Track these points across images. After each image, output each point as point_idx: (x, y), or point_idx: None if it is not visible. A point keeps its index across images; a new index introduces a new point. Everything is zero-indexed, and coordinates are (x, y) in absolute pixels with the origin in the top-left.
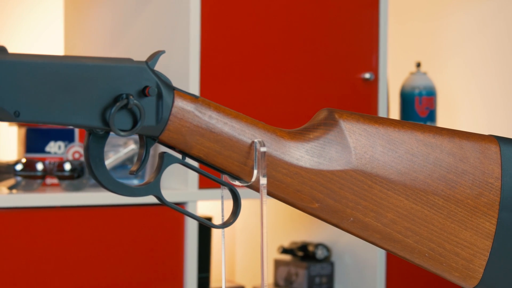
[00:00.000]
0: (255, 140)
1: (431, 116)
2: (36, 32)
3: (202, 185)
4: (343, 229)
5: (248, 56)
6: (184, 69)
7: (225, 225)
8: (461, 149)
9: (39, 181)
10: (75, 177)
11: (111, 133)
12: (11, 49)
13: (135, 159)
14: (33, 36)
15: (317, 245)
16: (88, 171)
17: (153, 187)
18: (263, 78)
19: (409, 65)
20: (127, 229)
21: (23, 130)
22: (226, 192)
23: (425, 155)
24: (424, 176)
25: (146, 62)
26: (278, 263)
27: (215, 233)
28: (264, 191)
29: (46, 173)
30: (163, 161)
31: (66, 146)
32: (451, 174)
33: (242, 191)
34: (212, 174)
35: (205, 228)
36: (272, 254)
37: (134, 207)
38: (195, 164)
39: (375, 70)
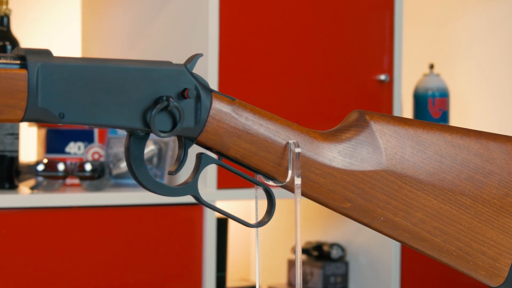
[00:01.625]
0: (290, 141)
1: (444, 117)
2: (53, 32)
3: (221, 185)
4: (374, 229)
5: (265, 57)
6: (203, 70)
7: (260, 224)
8: (487, 150)
9: (60, 181)
10: (96, 177)
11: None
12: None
13: (155, 160)
14: (50, 36)
15: (332, 245)
16: (128, 171)
17: (191, 187)
18: (280, 79)
19: (422, 67)
20: (147, 229)
21: (43, 131)
22: (244, 192)
23: (453, 156)
24: (452, 176)
25: (185, 65)
26: (292, 263)
27: (231, 233)
28: (298, 191)
29: (67, 173)
30: (201, 162)
31: (85, 146)
32: (478, 174)
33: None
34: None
35: (221, 227)
36: (287, 254)
37: (154, 207)
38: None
39: (390, 72)
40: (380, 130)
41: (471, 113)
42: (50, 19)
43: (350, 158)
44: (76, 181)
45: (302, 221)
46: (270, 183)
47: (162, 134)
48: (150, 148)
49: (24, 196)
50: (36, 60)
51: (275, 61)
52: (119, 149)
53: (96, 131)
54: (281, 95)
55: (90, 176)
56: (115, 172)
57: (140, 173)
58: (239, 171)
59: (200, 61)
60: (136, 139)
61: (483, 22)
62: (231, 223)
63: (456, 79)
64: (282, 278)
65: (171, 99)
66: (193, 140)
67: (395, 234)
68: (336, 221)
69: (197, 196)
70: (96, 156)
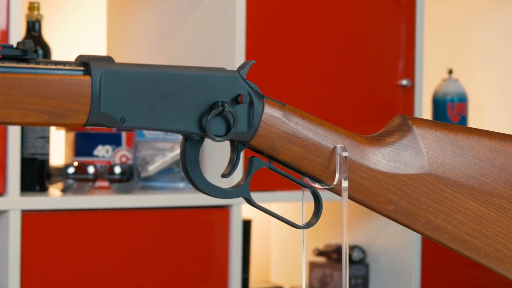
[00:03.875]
0: (338, 146)
1: (463, 121)
2: (78, 34)
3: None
4: (415, 230)
5: (290, 62)
6: None
7: (307, 225)
8: None
9: (90, 184)
10: (125, 180)
11: (165, 137)
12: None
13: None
14: (75, 37)
15: (352, 247)
16: (184, 174)
17: (243, 190)
18: (303, 83)
19: (441, 72)
20: (174, 231)
21: (71, 135)
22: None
23: (492, 160)
24: (491, 180)
25: (238, 71)
26: (313, 265)
27: (254, 235)
28: (346, 194)
29: (97, 176)
30: (252, 165)
31: (113, 150)
32: None
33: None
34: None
35: (245, 230)
36: (307, 256)
37: (181, 210)
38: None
39: (411, 77)
40: (422, 135)
41: (489, 117)
42: (76, 21)
43: (394, 161)
44: (105, 183)
45: (322, 224)
46: (317, 185)
47: (217, 138)
48: (177, 151)
49: (55, 198)
50: (99, 66)
51: (299, 66)
52: (147, 152)
53: (124, 134)
54: (304, 99)
55: (119, 179)
56: (143, 174)
57: (195, 175)
58: (289, 174)
59: (226, 65)
60: (192, 143)
61: (500, 29)
62: (254, 225)
63: (474, 84)
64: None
65: (226, 104)
66: (246, 144)
67: (435, 236)
68: (357, 223)
69: (248, 198)
70: (123, 159)
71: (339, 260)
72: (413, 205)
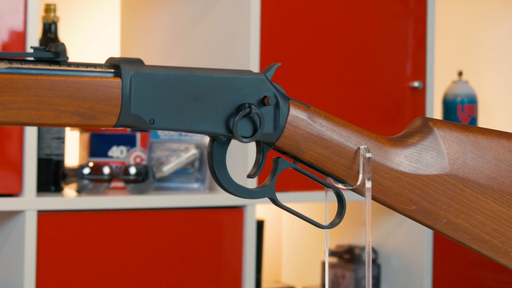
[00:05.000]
0: (361, 147)
1: (473, 123)
2: (92, 34)
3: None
4: (436, 230)
5: (304, 64)
6: None
7: (331, 225)
8: None
9: (105, 184)
10: (140, 180)
11: (179, 138)
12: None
13: (196, 163)
14: (89, 38)
15: (363, 248)
16: (211, 174)
17: (269, 190)
18: (317, 85)
19: (451, 74)
20: (189, 231)
21: (86, 135)
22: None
23: (511, 161)
24: (510, 180)
25: (264, 73)
26: (325, 265)
27: (266, 235)
28: (369, 194)
29: (112, 176)
30: (278, 166)
31: (128, 150)
32: None
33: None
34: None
35: (258, 230)
36: (320, 257)
37: (196, 210)
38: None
39: (422, 79)
40: (443, 136)
41: (498, 119)
42: (89, 22)
43: (415, 162)
44: (119, 184)
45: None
46: (340, 186)
47: (244, 140)
48: (192, 152)
49: (71, 199)
50: (129, 69)
51: (312, 68)
52: (161, 153)
53: (138, 135)
54: (317, 101)
55: (134, 180)
56: (158, 175)
57: (222, 176)
58: (313, 174)
59: (240, 67)
60: (219, 144)
61: (508, 32)
62: (266, 226)
63: (483, 86)
64: (315, 280)
65: (252, 106)
66: (271, 145)
67: (456, 236)
68: (369, 224)
69: (274, 199)
70: (138, 160)
71: (351, 260)
72: (434, 205)
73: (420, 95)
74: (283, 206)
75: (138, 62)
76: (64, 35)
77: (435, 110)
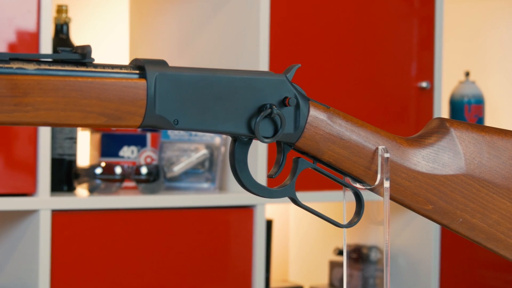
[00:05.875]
0: (379, 147)
1: (480, 123)
2: (101, 34)
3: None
4: (452, 230)
5: (313, 64)
6: None
7: (350, 224)
8: None
9: (117, 184)
10: (151, 180)
11: (189, 138)
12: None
13: (206, 163)
14: (98, 38)
15: (370, 248)
16: (233, 174)
17: (289, 190)
18: (326, 84)
19: (458, 74)
20: (199, 230)
21: (97, 136)
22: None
23: None
24: None
25: (285, 74)
26: (333, 265)
27: (275, 235)
28: (387, 194)
29: (124, 176)
30: (298, 166)
31: (138, 150)
32: None
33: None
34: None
35: (266, 229)
36: (328, 256)
37: (206, 210)
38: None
39: (430, 79)
40: (459, 137)
41: (505, 119)
42: (98, 22)
43: (433, 162)
44: (131, 184)
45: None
46: (358, 185)
47: (265, 140)
48: (202, 152)
49: (85, 198)
50: (154, 70)
51: (323, 68)
52: (172, 153)
53: (149, 136)
54: (326, 101)
55: (146, 179)
56: (169, 175)
57: (243, 176)
58: (332, 174)
59: (250, 67)
60: (240, 144)
61: None
62: (275, 226)
63: (490, 86)
64: (323, 279)
65: (274, 106)
66: (292, 145)
67: (471, 235)
68: (373, 225)
69: (294, 198)
70: (148, 160)
71: (358, 259)
72: (451, 205)
73: (428, 95)
74: (303, 206)
75: (162, 63)
76: (73, 35)
77: (442, 111)
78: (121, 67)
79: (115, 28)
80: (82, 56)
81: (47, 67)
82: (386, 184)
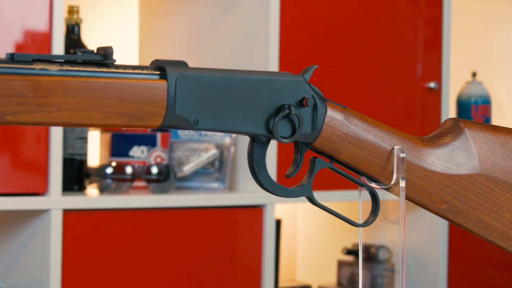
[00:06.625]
0: (395, 147)
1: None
2: (110, 34)
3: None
4: (466, 229)
5: (323, 64)
6: None
7: (366, 224)
8: None
9: (128, 184)
10: (162, 180)
11: (199, 138)
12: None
13: (216, 163)
14: (107, 38)
15: (378, 247)
16: (251, 174)
17: (306, 189)
18: (336, 85)
19: (465, 75)
20: (209, 229)
21: (107, 136)
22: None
23: None
24: None
25: (302, 75)
26: (341, 264)
27: (283, 234)
28: (403, 193)
29: (135, 176)
30: (315, 165)
31: (148, 150)
32: None
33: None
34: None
35: (275, 229)
36: (336, 255)
37: (216, 209)
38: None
39: (438, 80)
40: (473, 137)
41: (511, 119)
42: (107, 21)
43: (447, 162)
44: (141, 183)
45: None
46: (374, 185)
47: (284, 140)
48: (212, 152)
49: (96, 198)
50: (174, 71)
51: (332, 68)
52: (182, 153)
53: (159, 136)
54: (335, 101)
55: (156, 179)
56: (179, 175)
57: (262, 176)
58: (348, 174)
59: (259, 68)
60: (259, 144)
61: None
62: (283, 225)
63: (497, 86)
64: (331, 278)
65: (292, 107)
66: (309, 146)
67: (485, 234)
68: (382, 223)
69: (311, 198)
70: (158, 160)
71: (367, 259)
72: (465, 204)
73: (435, 96)
74: (320, 205)
75: (182, 64)
76: (83, 35)
77: (450, 111)
78: (142, 68)
79: (125, 28)
80: (104, 57)
81: (69, 68)
82: (402, 183)
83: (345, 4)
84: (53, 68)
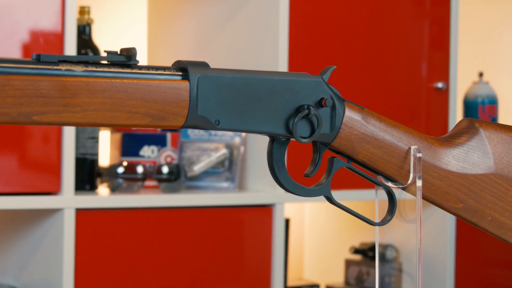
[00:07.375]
0: (412, 147)
1: None
2: (119, 35)
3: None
4: (481, 228)
5: (332, 63)
6: None
7: (382, 222)
8: None
9: (139, 183)
10: (172, 179)
11: (209, 137)
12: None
13: (226, 163)
14: (116, 38)
15: (386, 246)
16: (270, 173)
17: (325, 188)
18: (344, 85)
19: (472, 75)
20: (220, 228)
21: (118, 135)
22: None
23: None
24: None
25: (321, 76)
26: (349, 263)
27: (291, 234)
28: (420, 193)
29: (146, 175)
30: (333, 165)
31: (159, 150)
32: None
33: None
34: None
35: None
36: (343, 254)
37: (226, 208)
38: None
39: (446, 80)
40: (489, 137)
41: None
42: (116, 21)
43: (463, 162)
44: (152, 183)
45: (357, 222)
46: (391, 184)
47: (303, 140)
48: (222, 151)
49: (107, 197)
50: (196, 72)
51: (340, 68)
52: (192, 152)
53: (169, 135)
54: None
55: (167, 179)
56: (189, 174)
57: (281, 175)
58: (366, 173)
59: (269, 68)
60: (278, 144)
61: None
62: (292, 225)
63: (504, 86)
64: (339, 277)
65: (311, 107)
66: (327, 145)
67: (500, 233)
68: (390, 222)
69: (329, 197)
70: (168, 160)
71: (374, 258)
72: (480, 203)
73: (443, 96)
74: (338, 204)
75: (204, 65)
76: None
77: (457, 111)
78: (164, 68)
79: (133, 28)
80: (128, 58)
81: (94, 68)
82: (419, 183)
83: (353, 5)
84: (78, 69)
